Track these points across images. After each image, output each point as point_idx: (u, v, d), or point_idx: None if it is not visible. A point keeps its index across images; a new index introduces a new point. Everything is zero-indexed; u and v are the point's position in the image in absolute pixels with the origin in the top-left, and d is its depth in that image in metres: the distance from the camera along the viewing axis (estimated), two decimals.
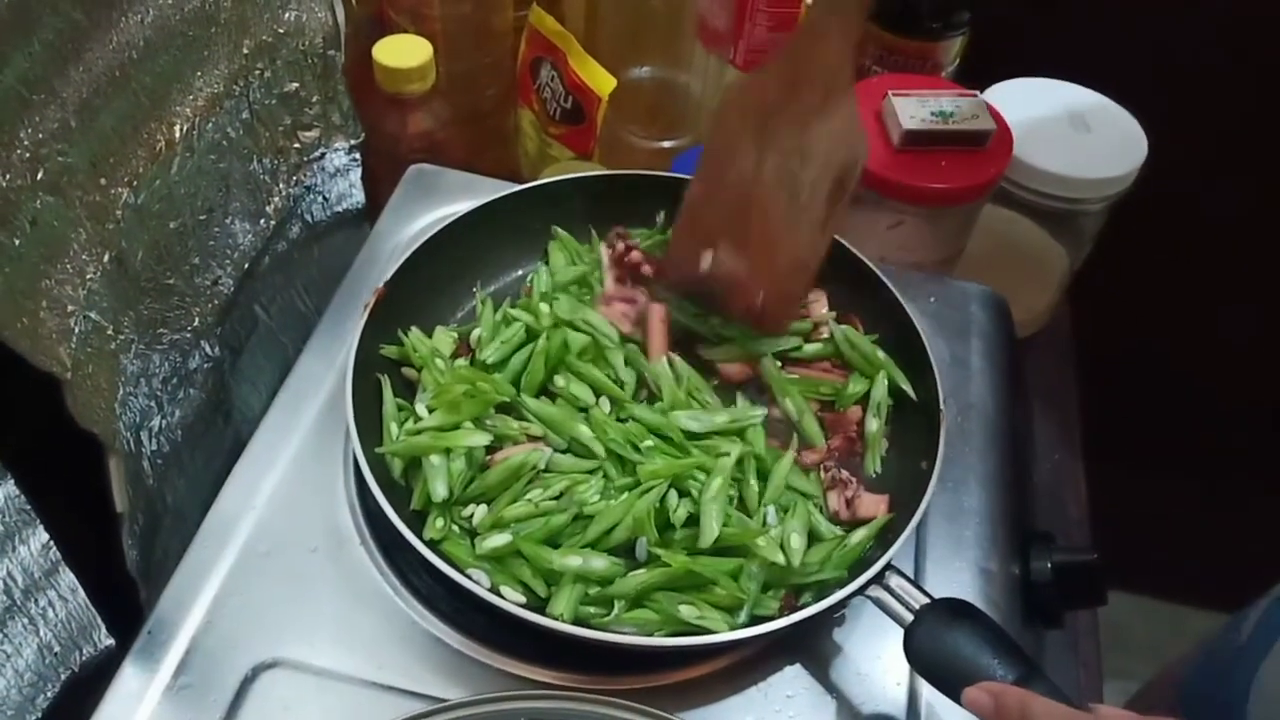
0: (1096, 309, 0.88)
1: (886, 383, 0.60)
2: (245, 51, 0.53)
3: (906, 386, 0.60)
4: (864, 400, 0.60)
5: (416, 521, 0.53)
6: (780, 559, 0.51)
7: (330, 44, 0.58)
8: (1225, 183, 0.95)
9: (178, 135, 0.49)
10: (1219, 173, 0.95)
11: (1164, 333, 1.08)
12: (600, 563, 0.50)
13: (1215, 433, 1.15)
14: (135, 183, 0.47)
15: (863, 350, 0.61)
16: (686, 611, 0.49)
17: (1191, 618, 1.43)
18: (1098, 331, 0.88)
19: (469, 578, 0.49)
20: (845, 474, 0.57)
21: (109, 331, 0.47)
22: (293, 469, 0.57)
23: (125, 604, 0.52)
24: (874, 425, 0.59)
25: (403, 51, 0.72)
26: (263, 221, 0.58)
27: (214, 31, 0.50)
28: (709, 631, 0.49)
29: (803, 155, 0.53)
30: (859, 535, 0.54)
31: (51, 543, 0.43)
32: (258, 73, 0.54)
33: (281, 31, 0.55)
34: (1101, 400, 0.85)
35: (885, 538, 0.53)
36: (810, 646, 0.52)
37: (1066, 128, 0.80)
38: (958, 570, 0.56)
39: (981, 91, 0.80)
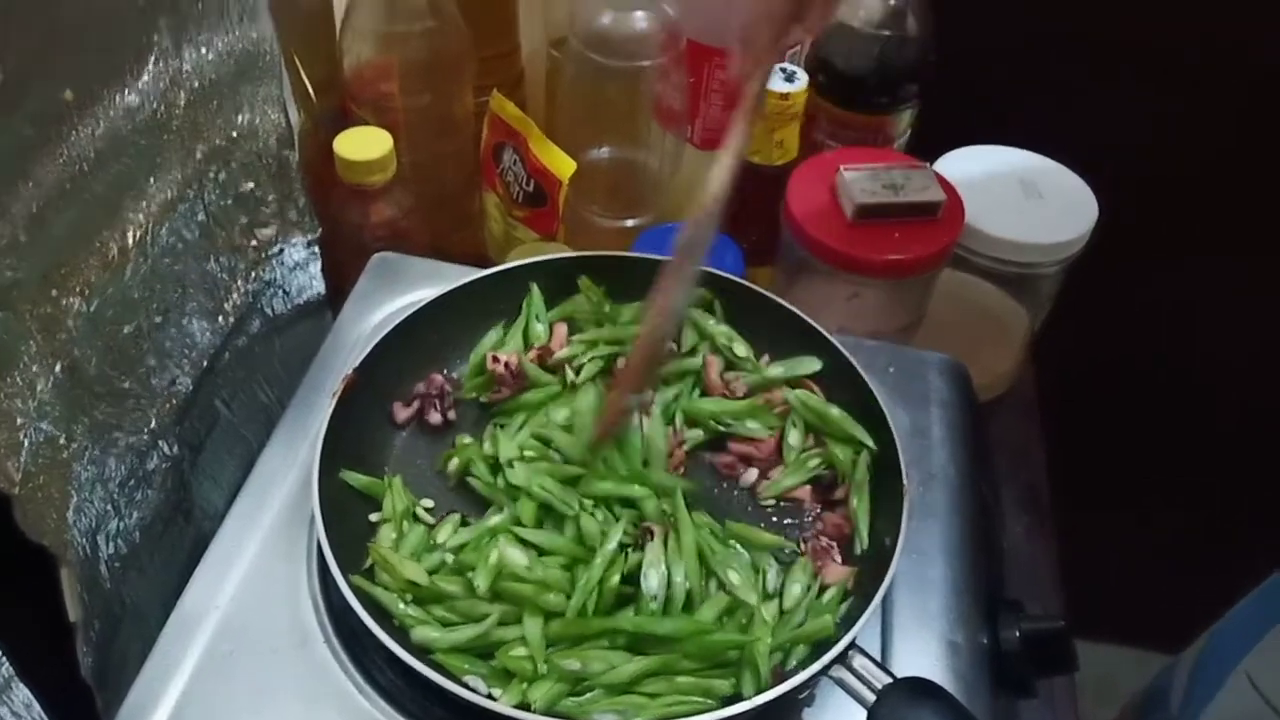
0: (1059, 368, 0.89)
1: (867, 459, 0.60)
2: (199, 156, 0.54)
3: (868, 439, 0.60)
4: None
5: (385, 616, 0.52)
6: (768, 615, 0.51)
7: (284, 144, 0.59)
8: (1176, 238, 0.97)
9: (131, 241, 0.50)
10: (1170, 226, 0.96)
11: (1127, 387, 1.09)
12: (598, 665, 0.50)
13: (1185, 480, 1.16)
14: (88, 291, 0.47)
15: (819, 411, 0.61)
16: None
17: None
18: (1061, 390, 0.89)
19: (467, 686, 0.49)
20: (826, 541, 0.57)
21: (61, 441, 0.47)
22: (256, 566, 0.57)
23: (83, 713, 0.51)
24: (856, 503, 0.59)
25: (363, 144, 0.73)
26: (221, 319, 0.58)
27: (166, 139, 0.51)
28: (695, 713, 0.48)
29: None
30: (829, 593, 0.54)
31: (3, 657, 0.43)
32: (212, 175, 0.55)
33: (235, 135, 0.56)
34: (1069, 458, 0.86)
35: (849, 616, 0.53)
36: None
37: (1018, 193, 0.81)
38: (924, 644, 0.56)
39: (934, 160, 0.82)
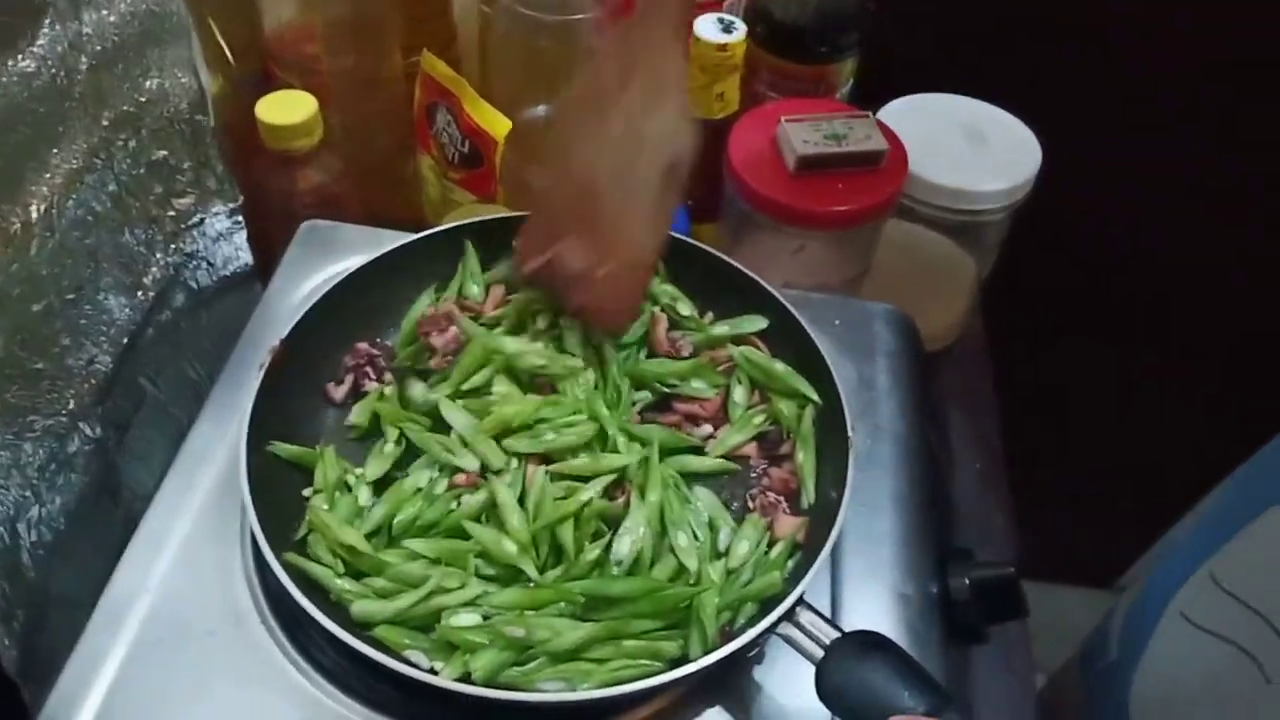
0: (1008, 316, 0.89)
1: (813, 414, 0.59)
2: (105, 123, 0.51)
3: (812, 394, 0.59)
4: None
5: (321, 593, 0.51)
6: (715, 574, 0.51)
7: (196, 109, 0.56)
8: (1122, 180, 0.97)
9: (35, 215, 0.47)
10: (1115, 172, 0.96)
11: (1074, 331, 1.10)
12: (544, 633, 0.49)
13: (1136, 421, 1.17)
14: None
15: (764, 367, 0.61)
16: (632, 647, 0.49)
17: None
18: (1011, 338, 0.89)
19: (408, 662, 0.48)
20: (773, 496, 0.57)
21: None
22: (187, 547, 0.55)
23: (10, 707, 0.49)
24: (802, 457, 0.58)
25: (286, 107, 0.70)
26: (140, 294, 0.56)
27: (68, 106, 0.49)
28: (643, 677, 0.47)
29: (635, 144, 0.54)
30: (777, 549, 0.53)
31: None
32: (121, 144, 0.52)
33: (143, 100, 0.53)
34: (1019, 405, 0.86)
35: (796, 573, 0.52)
36: (731, 687, 0.51)
37: (962, 141, 0.81)
38: (875, 596, 0.55)
39: (876, 110, 0.81)
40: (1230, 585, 0.63)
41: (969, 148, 0.80)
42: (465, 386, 0.58)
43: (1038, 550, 0.79)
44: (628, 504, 0.54)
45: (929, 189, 0.78)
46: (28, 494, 0.50)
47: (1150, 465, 1.15)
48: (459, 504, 0.54)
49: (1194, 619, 0.65)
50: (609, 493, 0.55)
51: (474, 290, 0.64)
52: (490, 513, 0.54)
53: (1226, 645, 0.62)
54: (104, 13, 0.51)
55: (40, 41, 0.48)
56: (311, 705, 0.50)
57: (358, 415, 0.59)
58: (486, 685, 0.47)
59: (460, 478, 0.55)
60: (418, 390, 0.59)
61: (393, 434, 0.57)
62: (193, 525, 0.55)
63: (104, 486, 0.56)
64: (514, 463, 0.55)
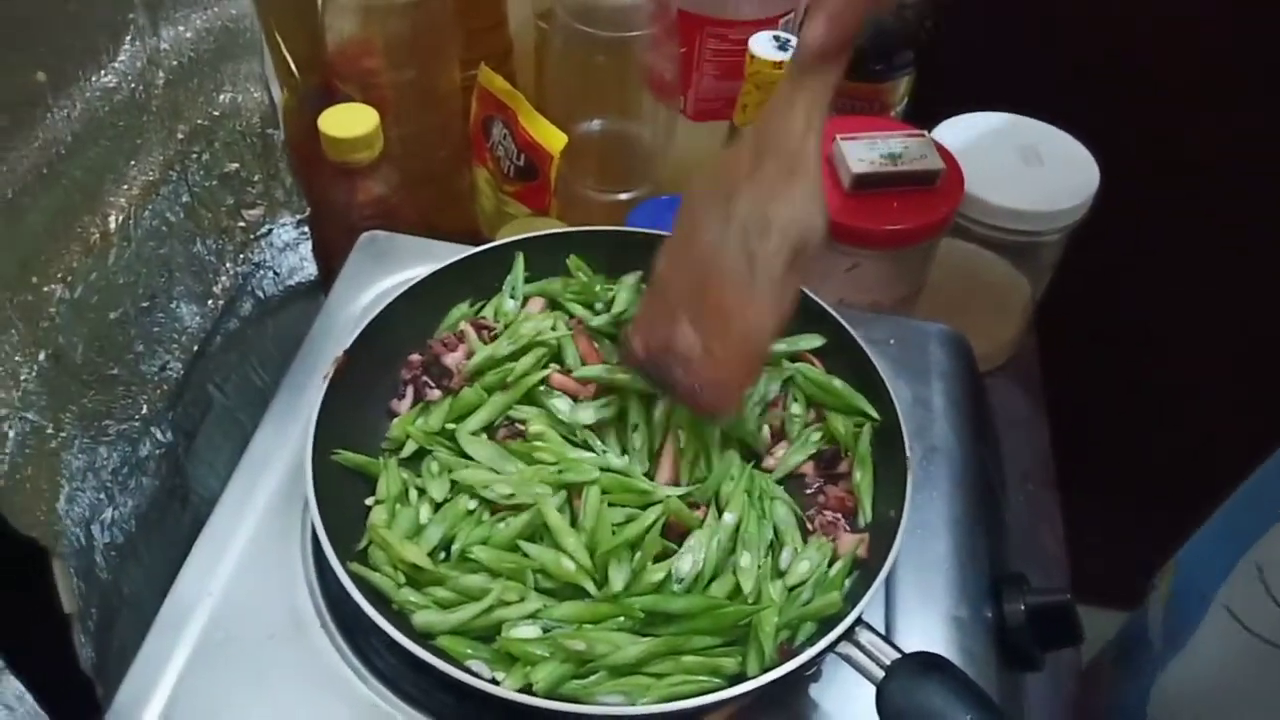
0: (1061, 336, 0.88)
1: (870, 434, 0.59)
2: (180, 136, 0.52)
3: (872, 412, 0.59)
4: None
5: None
6: (775, 593, 0.51)
7: (267, 122, 0.58)
8: (1178, 202, 0.96)
9: (113, 225, 0.49)
10: (1171, 193, 0.95)
11: (1129, 355, 1.08)
12: (604, 647, 0.49)
13: (1191, 449, 1.15)
14: (70, 278, 0.46)
15: (822, 384, 0.61)
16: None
17: None
18: (1064, 359, 0.88)
19: (470, 672, 0.48)
20: (831, 515, 0.57)
21: (48, 430, 0.46)
22: (250, 551, 0.56)
23: (84, 703, 0.50)
24: (859, 476, 0.58)
25: (348, 121, 0.72)
26: (210, 302, 0.57)
27: (146, 120, 0.50)
28: (701, 693, 0.47)
29: (762, 226, 0.52)
30: (836, 566, 0.53)
31: None
32: (195, 156, 0.53)
33: (217, 114, 0.54)
34: (1073, 427, 0.85)
35: (854, 592, 0.52)
36: (788, 705, 0.51)
37: (1018, 161, 0.80)
38: (929, 619, 0.55)
39: (931, 128, 0.81)
40: (1275, 588, 0.62)
41: (1025, 168, 0.79)
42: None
43: (1088, 573, 0.78)
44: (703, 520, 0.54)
45: (984, 209, 0.78)
46: (102, 496, 0.51)
47: (1207, 492, 1.13)
48: (505, 525, 0.54)
49: (1239, 616, 0.65)
50: (688, 502, 0.55)
51: (508, 305, 0.65)
52: (543, 532, 0.54)
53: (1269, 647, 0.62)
54: (181, 29, 0.52)
55: (121, 58, 0.49)
56: (369, 710, 0.50)
57: (394, 430, 0.59)
58: (548, 697, 0.47)
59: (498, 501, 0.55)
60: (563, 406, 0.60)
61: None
62: (255, 530, 0.56)
63: (173, 490, 0.58)
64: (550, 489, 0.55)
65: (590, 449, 0.58)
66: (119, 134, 0.49)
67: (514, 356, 0.61)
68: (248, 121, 0.57)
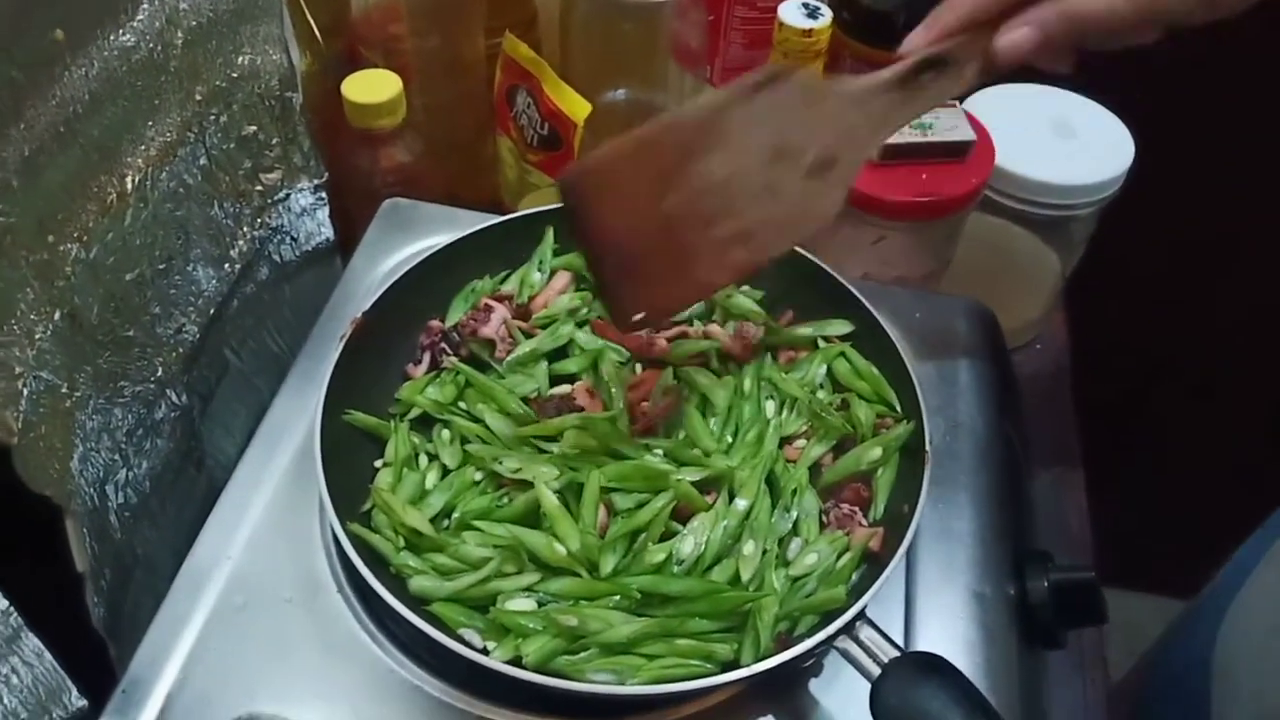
0: (1091, 314, 0.86)
1: (903, 435, 0.56)
2: (198, 98, 0.52)
3: (897, 404, 0.58)
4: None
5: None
6: (777, 582, 0.50)
7: (286, 86, 0.57)
8: (1214, 178, 0.94)
9: (130, 186, 0.48)
10: (1208, 169, 0.93)
11: (1160, 333, 1.06)
12: (597, 624, 0.49)
13: (1222, 429, 1.13)
14: (86, 238, 0.46)
15: (860, 369, 0.59)
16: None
17: None
18: (1093, 337, 0.86)
19: (462, 640, 0.48)
20: (847, 508, 0.55)
21: (63, 390, 0.46)
22: (268, 515, 0.56)
23: (97, 662, 0.51)
24: (881, 473, 0.56)
25: (371, 87, 0.71)
26: (227, 266, 0.57)
27: (164, 80, 0.50)
28: (692, 677, 0.47)
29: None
30: (845, 559, 0.52)
31: (11, 609, 0.42)
32: (213, 118, 0.53)
33: (235, 76, 0.54)
34: (1101, 406, 0.84)
35: (861, 586, 0.51)
36: (785, 698, 0.51)
37: (1050, 133, 0.78)
38: (950, 596, 0.54)
39: (963, 100, 0.79)
40: None
41: (1058, 141, 0.78)
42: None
43: (1112, 554, 0.77)
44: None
45: (1015, 182, 0.76)
46: (116, 458, 0.51)
47: (1233, 474, 1.11)
48: (509, 500, 0.54)
49: None
50: (700, 488, 0.54)
51: (534, 277, 0.64)
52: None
53: None
54: None
55: (140, 16, 0.49)
56: (384, 674, 0.50)
57: (403, 393, 0.59)
58: (537, 670, 0.47)
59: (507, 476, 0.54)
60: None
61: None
62: (273, 495, 0.57)
63: (188, 453, 0.58)
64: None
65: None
66: (137, 94, 0.48)
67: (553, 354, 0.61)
68: (266, 84, 0.56)
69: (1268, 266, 1.00)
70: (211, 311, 0.57)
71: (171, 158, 0.51)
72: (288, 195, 0.61)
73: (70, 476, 0.46)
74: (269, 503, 0.56)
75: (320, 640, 0.52)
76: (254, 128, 0.56)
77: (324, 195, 0.65)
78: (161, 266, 0.52)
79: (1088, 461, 0.80)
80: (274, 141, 0.58)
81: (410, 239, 0.69)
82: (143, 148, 0.49)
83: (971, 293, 0.69)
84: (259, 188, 0.59)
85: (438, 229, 0.68)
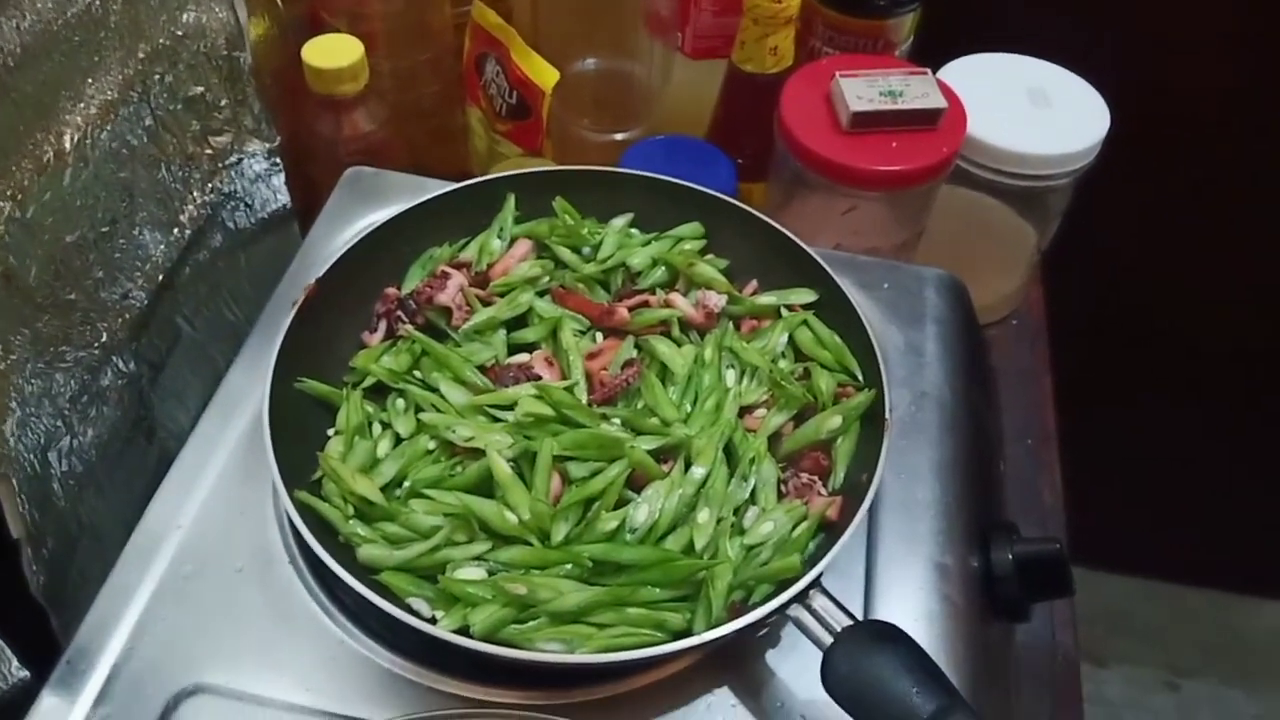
0: (1067, 287, 0.86)
1: (863, 402, 0.55)
2: (141, 55, 0.50)
3: (860, 376, 0.57)
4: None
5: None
6: (731, 551, 0.49)
7: (234, 45, 0.56)
8: (1191, 149, 0.93)
9: (68, 145, 0.47)
10: (1184, 139, 0.92)
11: (1138, 306, 1.05)
12: (546, 593, 0.48)
13: (1200, 406, 1.12)
14: (20, 196, 0.45)
15: (823, 338, 0.58)
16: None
17: (1190, 597, 1.40)
18: (1070, 310, 0.85)
19: (409, 609, 0.47)
20: (806, 478, 0.54)
21: None
22: (220, 485, 0.55)
23: (39, 632, 0.50)
24: (841, 442, 0.55)
25: (333, 52, 0.70)
26: (176, 231, 0.56)
27: (103, 36, 0.48)
28: (643, 646, 0.46)
29: None
30: (801, 527, 0.51)
31: None
32: (157, 77, 0.52)
33: (180, 34, 0.53)
34: (1077, 380, 0.83)
35: (815, 555, 0.50)
36: (740, 668, 0.50)
37: (1026, 103, 0.77)
38: (912, 565, 0.53)
39: (937, 69, 0.78)
40: None
41: (1033, 111, 0.76)
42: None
43: (1088, 533, 0.76)
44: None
45: (989, 153, 0.75)
46: (59, 424, 0.50)
47: (1209, 454, 1.11)
48: (462, 469, 0.53)
49: None
50: (657, 456, 0.53)
51: (494, 245, 0.63)
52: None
53: None
54: None
55: None
56: (335, 646, 0.50)
57: (357, 360, 0.58)
58: (484, 640, 0.46)
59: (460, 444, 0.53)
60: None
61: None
62: (226, 465, 0.56)
63: (138, 422, 0.57)
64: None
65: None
66: (74, 49, 0.47)
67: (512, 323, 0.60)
68: (213, 43, 0.55)
69: (1246, 238, 0.99)
70: (160, 278, 0.56)
71: (113, 117, 0.50)
72: (240, 160, 0.60)
73: (3, 441, 0.45)
74: (222, 472, 0.55)
75: (271, 611, 0.51)
76: (201, 88, 0.55)
77: (278, 161, 0.63)
78: (105, 229, 0.51)
79: (1063, 436, 0.80)
80: (223, 103, 0.57)
81: (373, 208, 0.67)
82: (82, 105, 0.48)
83: (947, 266, 0.68)
84: (208, 151, 0.57)
85: (401, 197, 0.66)
